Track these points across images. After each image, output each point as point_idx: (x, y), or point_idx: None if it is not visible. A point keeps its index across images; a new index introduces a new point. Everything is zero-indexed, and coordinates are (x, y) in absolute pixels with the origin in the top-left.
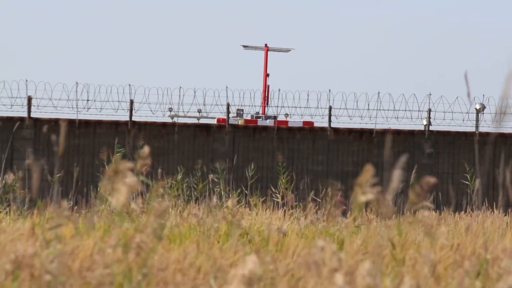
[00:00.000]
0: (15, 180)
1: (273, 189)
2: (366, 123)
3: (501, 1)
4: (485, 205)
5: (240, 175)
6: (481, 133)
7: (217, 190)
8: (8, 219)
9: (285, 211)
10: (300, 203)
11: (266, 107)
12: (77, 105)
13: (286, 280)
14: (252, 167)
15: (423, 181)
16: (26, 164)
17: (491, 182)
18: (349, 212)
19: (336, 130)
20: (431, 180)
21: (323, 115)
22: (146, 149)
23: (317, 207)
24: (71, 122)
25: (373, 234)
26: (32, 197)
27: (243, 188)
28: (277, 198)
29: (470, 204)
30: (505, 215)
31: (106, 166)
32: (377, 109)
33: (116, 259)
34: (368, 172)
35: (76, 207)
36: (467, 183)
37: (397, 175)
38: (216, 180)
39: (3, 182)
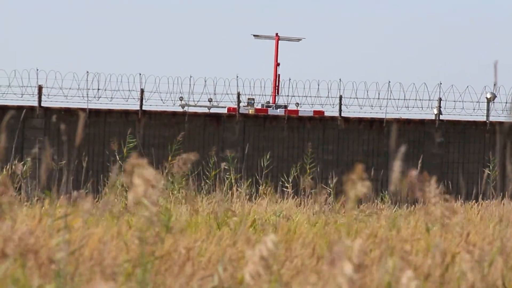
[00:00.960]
0: (24, 171)
1: (285, 178)
2: (377, 113)
3: None
4: (495, 194)
5: (251, 164)
6: (491, 123)
7: (227, 179)
8: (16, 207)
9: (296, 200)
10: (312, 192)
11: (276, 97)
12: (87, 94)
13: (294, 265)
14: (267, 156)
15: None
16: (36, 153)
17: (501, 172)
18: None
19: (347, 120)
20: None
21: (333, 104)
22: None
23: (328, 196)
24: (81, 111)
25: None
26: (41, 185)
27: (255, 177)
28: (287, 188)
29: (481, 193)
30: None
31: (117, 157)
32: (387, 98)
33: (124, 248)
34: (360, 167)
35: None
36: (488, 172)
37: (397, 165)
38: (226, 168)
39: (12, 171)
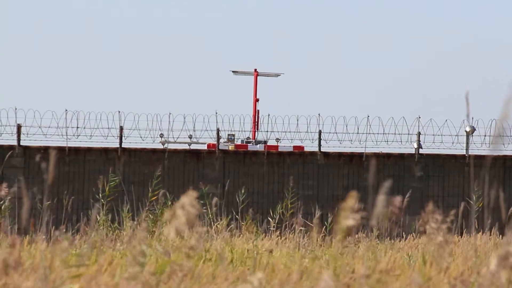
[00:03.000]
0: (3, 210)
1: (266, 214)
2: (356, 147)
3: (487, 27)
4: (476, 227)
5: (231, 200)
6: (471, 156)
7: (206, 215)
8: None
9: (278, 236)
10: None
11: (256, 132)
12: (66, 133)
13: None
14: (243, 192)
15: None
16: (15, 192)
17: (485, 204)
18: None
19: (326, 154)
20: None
21: (313, 140)
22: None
23: (308, 231)
24: (61, 149)
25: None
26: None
27: (234, 214)
28: (269, 224)
29: (461, 226)
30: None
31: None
32: (366, 133)
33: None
34: (352, 198)
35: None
36: (470, 203)
37: (381, 200)
38: (201, 202)
39: None
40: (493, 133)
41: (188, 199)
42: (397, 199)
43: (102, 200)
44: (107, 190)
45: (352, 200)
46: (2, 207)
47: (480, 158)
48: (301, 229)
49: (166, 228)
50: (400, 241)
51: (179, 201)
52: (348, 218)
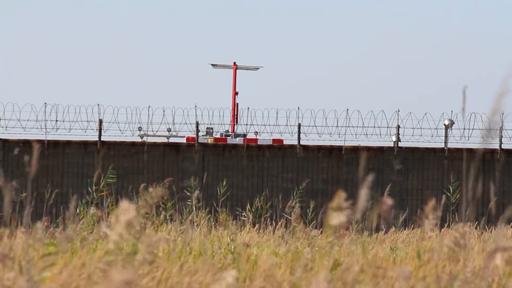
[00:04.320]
0: None
1: (244, 207)
2: (335, 140)
3: (467, 22)
4: (455, 220)
5: (210, 193)
6: (450, 149)
7: (186, 208)
8: None
9: (257, 229)
10: (273, 221)
11: (235, 125)
12: (45, 126)
13: None
14: (224, 184)
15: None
16: None
17: (463, 197)
18: (320, 231)
19: (306, 148)
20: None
21: (292, 133)
22: None
23: (287, 224)
24: (40, 142)
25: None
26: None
27: (214, 206)
28: (245, 217)
29: (441, 219)
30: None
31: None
32: (346, 126)
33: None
34: (340, 196)
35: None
36: (448, 195)
37: (364, 194)
38: (188, 194)
39: None
40: (485, 126)
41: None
42: (388, 199)
43: (94, 194)
44: (101, 185)
45: (340, 199)
46: None
47: (459, 151)
48: (281, 223)
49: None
50: (378, 234)
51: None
52: (336, 217)
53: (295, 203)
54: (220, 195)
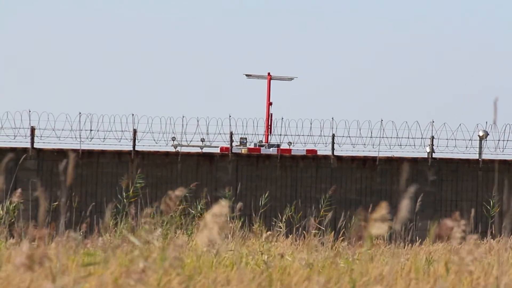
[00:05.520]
0: (18, 205)
1: (277, 218)
2: (369, 151)
3: (506, 24)
4: (492, 232)
5: (244, 203)
6: (484, 160)
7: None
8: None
9: (290, 239)
10: (304, 232)
11: (269, 136)
12: (80, 135)
13: None
14: (265, 196)
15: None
16: (30, 195)
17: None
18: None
19: (339, 158)
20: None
21: (326, 143)
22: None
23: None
24: (74, 152)
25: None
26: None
27: (248, 217)
28: (279, 228)
29: (475, 231)
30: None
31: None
32: (380, 137)
33: None
34: (383, 207)
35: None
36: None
37: (405, 205)
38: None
39: (8, 205)
40: None
41: (219, 209)
42: (449, 222)
43: (125, 200)
44: (130, 192)
45: (382, 210)
46: (11, 208)
47: (493, 162)
48: (315, 233)
49: (199, 236)
50: (413, 245)
51: (211, 210)
52: (378, 228)
53: (323, 213)
54: (255, 205)
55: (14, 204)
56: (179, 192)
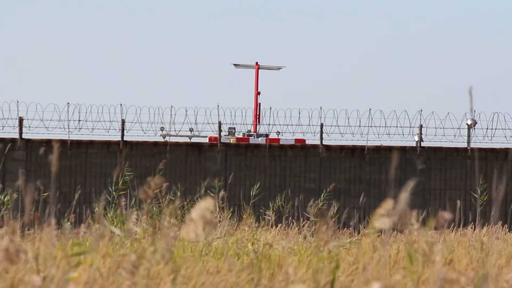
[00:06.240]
0: (6, 202)
1: (266, 207)
2: (358, 140)
3: (491, 16)
4: (480, 220)
5: (233, 193)
6: (472, 149)
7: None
8: None
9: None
10: (294, 221)
11: (257, 125)
12: (68, 126)
13: None
14: (257, 186)
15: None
16: (18, 185)
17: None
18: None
19: (328, 147)
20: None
21: (314, 133)
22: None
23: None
24: (62, 142)
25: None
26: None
27: (237, 206)
28: (268, 217)
29: (464, 220)
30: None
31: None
32: (368, 126)
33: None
34: (388, 202)
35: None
36: (475, 196)
37: (404, 197)
38: (211, 194)
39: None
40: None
41: (205, 204)
42: (447, 214)
43: (114, 193)
44: (120, 184)
45: (388, 205)
46: (5, 200)
47: (481, 151)
48: (304, 223)
49: (184, 229)
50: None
51: (197, 205)
52: (381, 222)
53: (322, 204)
54: (244, 195)
55: (5, 195)
56: (158, 180)
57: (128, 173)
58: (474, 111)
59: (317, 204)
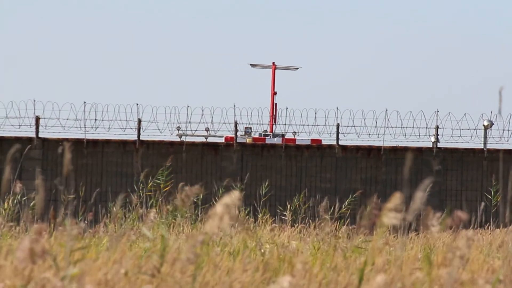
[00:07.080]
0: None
1: (282, 207)
2: (374, 141)
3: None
4: (494, 221)
5: (249, 193)
6: (489, 150)
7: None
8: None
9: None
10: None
11: (274, 125)
12: (85, 125)
13: None
14: (266, 184)
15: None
16: (34, 184)
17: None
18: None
19: (344, 148)
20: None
21: (331, 133)
22: None
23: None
24: (79, 141)
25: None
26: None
27: (253, 206)
28: (284, 217)
29: (480, 221)
30: None
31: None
32: (384, 126)
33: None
34: (397, 197)
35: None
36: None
37: (419, 196)
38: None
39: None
40: None
41: (230, 199)
42: (463, 214)
43: (141, 193)
44: (162, 186)
45: (396, 200)
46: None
47: (498, 152)
48: (319, 222)
49: (208, 224)
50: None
51: (221, 200)
52: (391, 218)
53: (347, 208)
54: (260, 194)
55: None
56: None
57: (161, 176)
58: (491, 112)
59: (340, 207)
